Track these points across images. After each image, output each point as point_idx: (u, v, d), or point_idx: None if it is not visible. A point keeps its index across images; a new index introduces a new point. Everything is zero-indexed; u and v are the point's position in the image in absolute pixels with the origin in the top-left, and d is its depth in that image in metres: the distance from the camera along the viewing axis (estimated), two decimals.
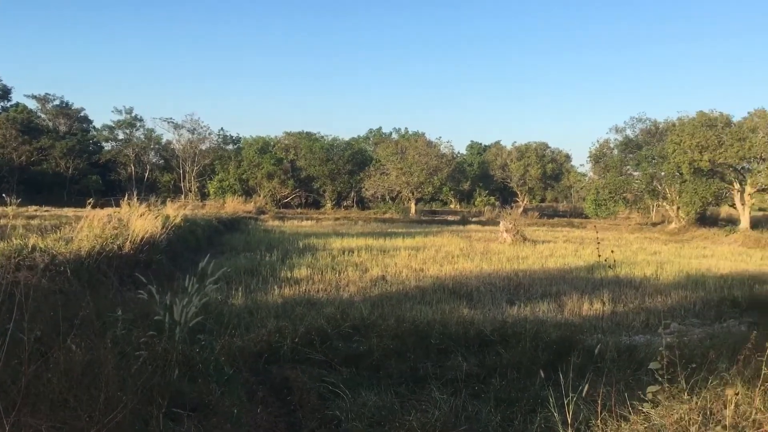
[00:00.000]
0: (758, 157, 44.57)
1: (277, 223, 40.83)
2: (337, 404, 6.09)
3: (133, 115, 70.69)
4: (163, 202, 27.17)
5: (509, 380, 7.14)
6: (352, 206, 69.03)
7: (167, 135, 72.75)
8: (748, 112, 46.82)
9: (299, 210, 62.49)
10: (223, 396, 5.66)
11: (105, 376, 4.64)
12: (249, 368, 6.99)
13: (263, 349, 7.76)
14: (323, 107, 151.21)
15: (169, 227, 18.45)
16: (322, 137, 72.98)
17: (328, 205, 68.14)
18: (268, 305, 11.32)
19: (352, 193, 69.96)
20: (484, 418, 5.91)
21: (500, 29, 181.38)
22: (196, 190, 67.16)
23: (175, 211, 22.29)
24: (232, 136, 75.59)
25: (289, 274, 15.96)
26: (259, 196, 63.26)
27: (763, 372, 4.40)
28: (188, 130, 68.76)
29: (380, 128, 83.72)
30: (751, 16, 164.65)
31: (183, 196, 61.20)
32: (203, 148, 69.75)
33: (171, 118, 68.59)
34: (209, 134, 70.88)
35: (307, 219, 47.02)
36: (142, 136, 71.44)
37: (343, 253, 21.40)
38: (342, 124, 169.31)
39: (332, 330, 8.99)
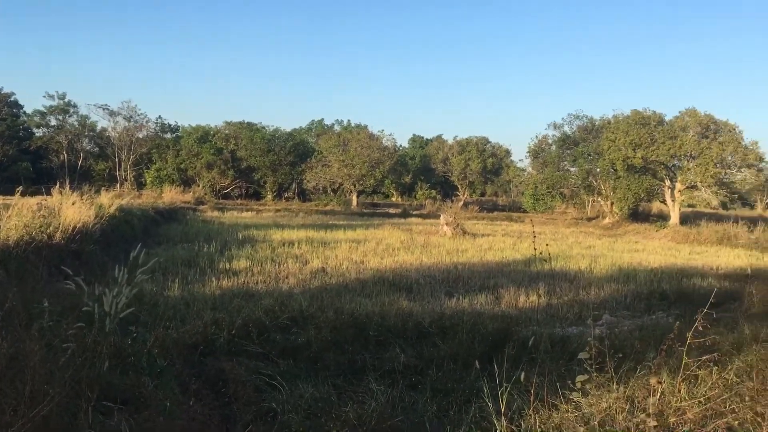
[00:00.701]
0: (688, 154, 46.29)
1: (216, 213, 40.21)
2: (274, 396, 6.05)
3: (66, 101, 68.24)
4: (98, 191, 26.29)
5: (446, 371, 7.23)
6: (294, 198, 68.54)
7: (102, 122, 70.62)
8: (680, 111, 48.61)
9: (239, 201, 61.70)
10: (156, 389, 5.54)
11: (31, 369, 4.49)
12: (183, 361, 6.85)
13: (199, 341, 7.63)
14: (265, 97, 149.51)
15: (103, 217, 17.96)
16: (263, 128, 72.13)
17: (269, 196, 67.47)
18: (205, 297, 11.13)
19: (294, 185, 69.43)
20: (420, 408, 5.97)
21: (445, 27, 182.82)
22: (133, 179, 65.46)
23: (110, 200, 21.71)
24: (170, 125, 73.83)
25: (227, 266, 15.75)
26: (198, 186, 62.12)
27: (684, 361, 4.57)
28: (124, 118, 66.79)
29: (322, 120, 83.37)
30: (685, 22, 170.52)
31: (118, 185, 59.59)
32: (140, 136, 67.88)
33: (106, 105, 66.49)
34: (146, 122, 69.03)
35: (248, 210, 46.45)
36: (75, 123, 69.06)
37: (284, 245, 21.22)
38: (284, 114, 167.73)
39: (270, 322, 8.93)
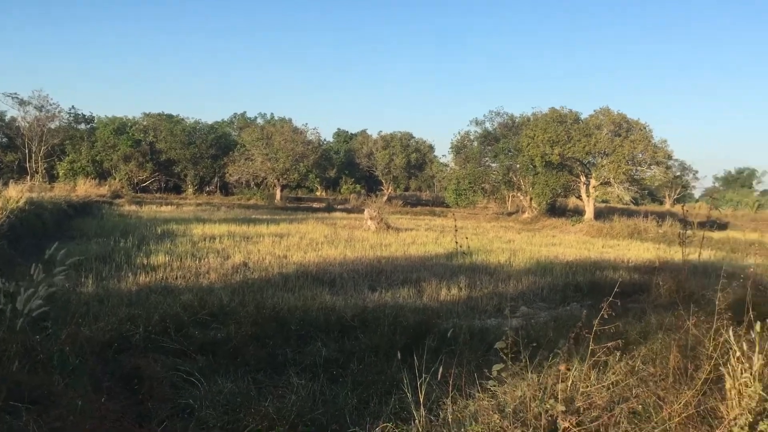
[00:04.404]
0: (602, 152, 48.07)
1: (134, 207, 38.99)
2: (192, 393, 5.94)
3: None
4: (6, 184, 25.12)
5: (367, 364, 7.27)
6: (215, 192, 67.22)
7: (11, 111, 67.33)
8: (594, 110, 50.44)
9: (158, 195, 59.99)
10: (67, 387, 5.36)
11: None
12: (97, 358, 6.64)
13: (113, 338, 7.40)
14: (184, 89, 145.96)
15: (11, 210, 17.16)
16: (183, 120, 70.35)
17: (190, 190, 65.89)
18: (121, 293, 10.80)
19: (216, 179, 68.06)
20: (341, 401, 5.99)
21: (369, 21, 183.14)
22: (44, 171, 62.51)
23: (19, 193, 20.76)
24: (84, 115, 70.82)
25: (145, 261, 15.31)
26: (115, 179, 59.97)
27: (590, 348, 4.77)
28: (35, 107, 63.48)
29: (245, 113, 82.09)
30: (600, 27, 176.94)
31: (29, 178, 56.82)
32: (52, 126, 64.86)
33: (16, 94, 63.07)
34: (59, 112, 66.00)
35: (167, 204, 45.23)
36: None
37: (205, 240, 20.82)
38: (204, 107, 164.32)
39: (189, 317, 8.77)
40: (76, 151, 63.56)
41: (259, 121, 78.78)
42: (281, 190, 64.70)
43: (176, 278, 13.39)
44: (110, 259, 15.03)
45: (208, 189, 68.07)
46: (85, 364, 6.21)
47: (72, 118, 68.98)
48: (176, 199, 54.92)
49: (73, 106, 73.76)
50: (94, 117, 71.06)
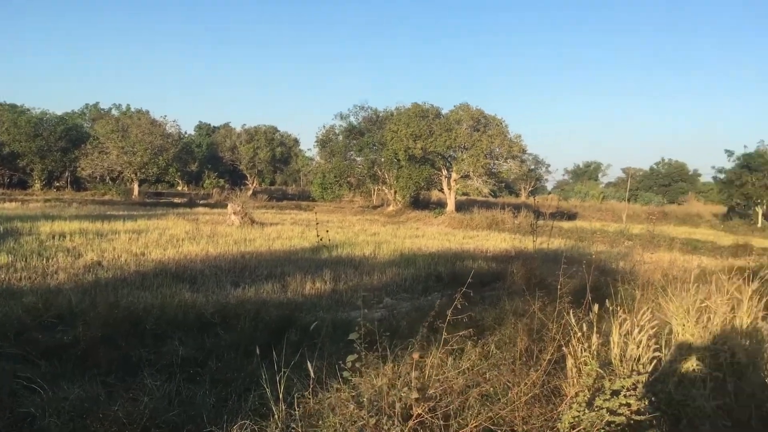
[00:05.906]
0: (462, 146, 49.94)
1: None
2: (33, 400, 5.53)
3: None
4: None
5: (226, 361, 7.12)
6: (66, 187, 63.27)
7: None
8: (455, 106, 52.29)
9: (1, 191, 55.61)
10: None
11: None
12: None
13: None
14: (28, 76, 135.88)
15: None
16: (29, 110, 65.52)
17: (37, 185, 61.59)
18: None
19: (66, 173, 64.00)
20: (198, 401, 5.81)
21: (231, 13, 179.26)
22: None
23: None
24: None
25: None
26: None
27: (444, 336, 4.93)
28: None
29: (98, 104, 77.90)
30: (461, 24, 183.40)
31: None
32: None
33: None
34: None
35: (11, 200, 42.02)
36: None
37: (54, 238, 19.50)
38: (52, 96, 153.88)
39: (32, 320, 8.18)
40: None
41: (114, 112, 75.04)
42: (139, 185, 61.97)
43: (20, 279, 12.47)
44: None
45: (57, 184, 63.96)
46: None
47: None
48: (21, 195, 51.28)
49: None
50: None
